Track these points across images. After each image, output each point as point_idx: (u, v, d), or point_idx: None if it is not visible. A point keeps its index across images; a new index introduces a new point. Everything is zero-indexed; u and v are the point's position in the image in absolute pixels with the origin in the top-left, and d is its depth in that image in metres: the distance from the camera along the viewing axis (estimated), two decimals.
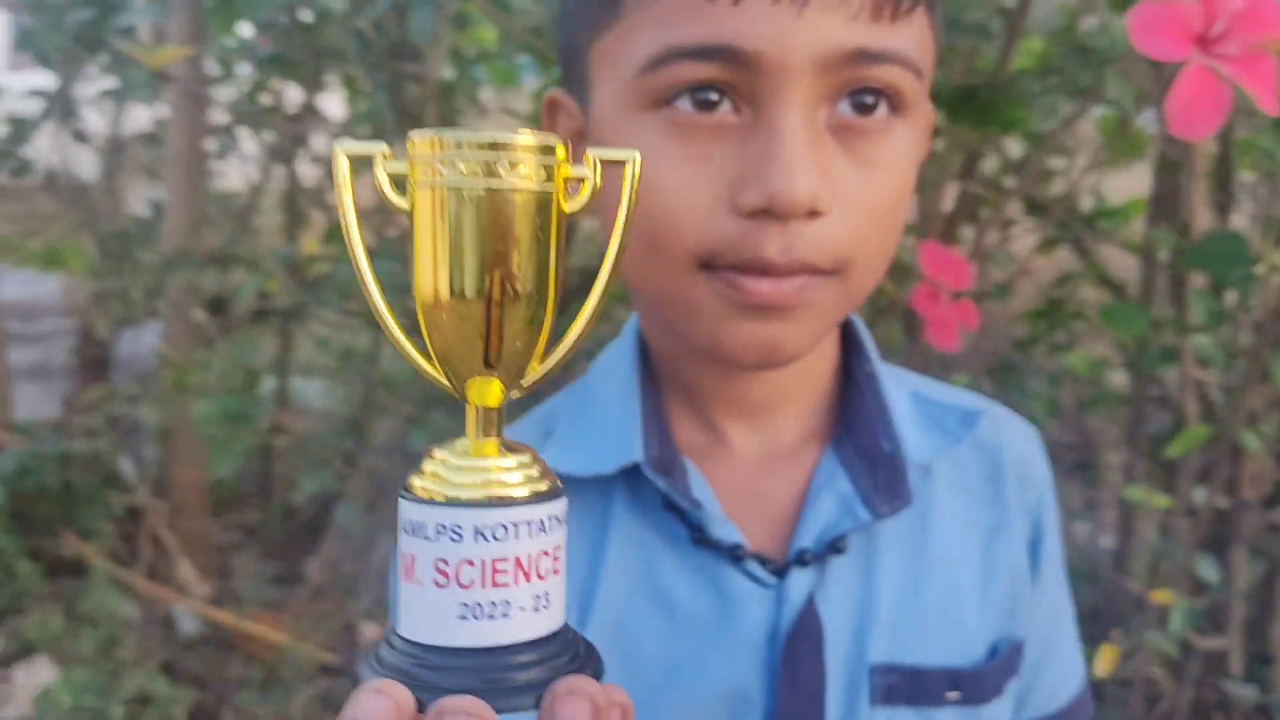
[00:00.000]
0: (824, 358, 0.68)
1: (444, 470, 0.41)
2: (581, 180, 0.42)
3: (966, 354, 1.68)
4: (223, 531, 3.06)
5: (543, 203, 0.40)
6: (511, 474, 0.41)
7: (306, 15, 2.26)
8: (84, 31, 2.27)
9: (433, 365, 0.43)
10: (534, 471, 0.42)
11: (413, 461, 0.43)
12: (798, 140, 0.53)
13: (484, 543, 0.39)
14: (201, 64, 2.37)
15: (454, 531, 0.39)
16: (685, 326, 0.60)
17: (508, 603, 0.39)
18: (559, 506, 0.42)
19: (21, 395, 3.00)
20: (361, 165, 0.43)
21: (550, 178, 0.41)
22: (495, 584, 0.39)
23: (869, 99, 0.56)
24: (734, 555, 0.62)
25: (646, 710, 0.59)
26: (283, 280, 2.68)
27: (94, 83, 3.38)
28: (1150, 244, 1.60)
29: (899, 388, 0.69)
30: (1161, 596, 1.71)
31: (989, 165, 1.93)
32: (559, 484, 0.43)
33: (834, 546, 0.63)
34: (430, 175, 0.40)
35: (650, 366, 0.67)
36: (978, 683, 0.66)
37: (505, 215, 0.40)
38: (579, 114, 0.62)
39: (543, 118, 0.66)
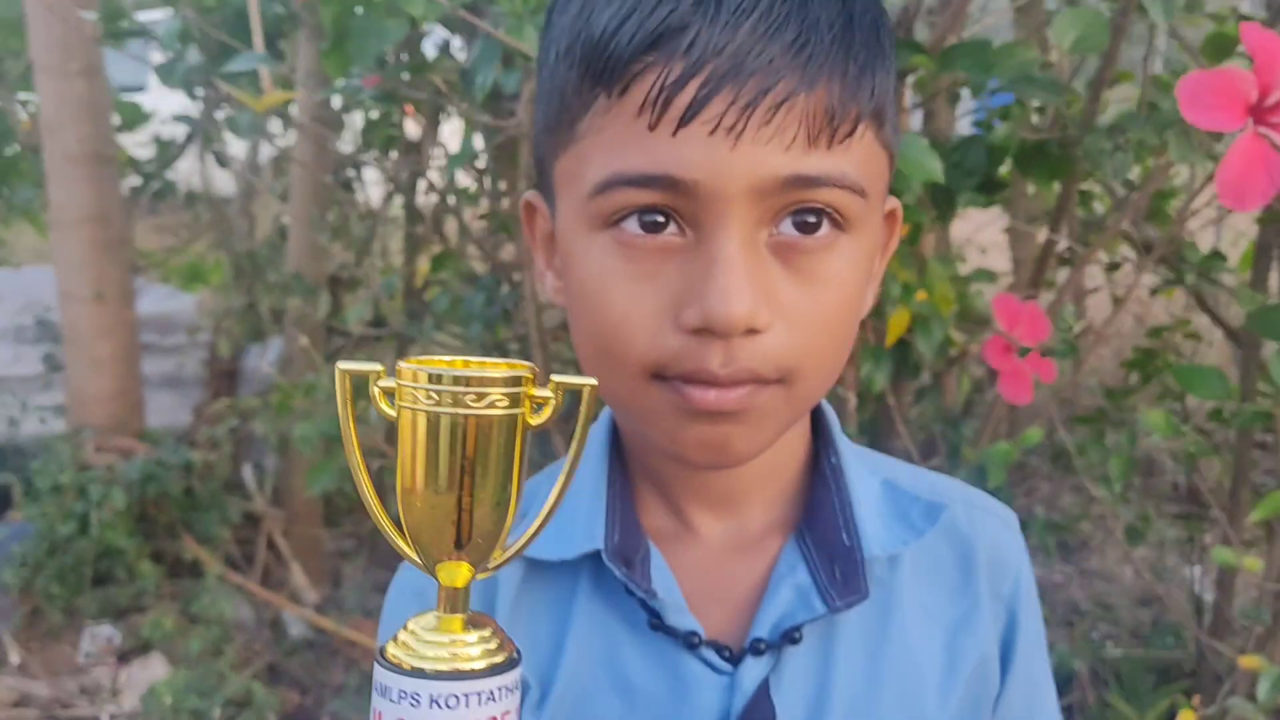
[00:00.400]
0: (791, 450, 0.69)
1: (413, 641, 0.47)
2: (548, 399, 0.47)
3: (1045, 402, 1.66)
4: (335, 540, 3.19)
5: (509, 422, 0.46)
6: (471, 648, 0.46)
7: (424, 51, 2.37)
8: (192, 75, 2.42)
9: (406, 543, 0.49)
10: (493, 645, 0.47)
11: None
12: (735, 264, 0.55)
13: (438, 709, 0.44)
14: (322, 99, 2.50)
15: (413, 698, 0.45)
16: (643, 428, 0.63)
17: None
18: (511, 677, 0.47)
19: (155, 403, 3.19)
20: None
21: (517, 402, 0.46)
22: None
23: (811, 218, 0.57)
24: (689, 643, 0.64)
25: None
26: (397, 304, 2.80)
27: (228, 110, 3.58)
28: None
29: (871, 475, 0.70)
30: (1250, 662, 1.65)
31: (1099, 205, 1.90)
32: (515, 654, 0.48)
33: (789, 636, 0.64)
34: (411, 400, 0.45)
35: (622, 454, 0.70)
36: None
37: (475, 435, 0.45)
38: (550, 219, 0.65)
39: (522, 218, 0.69)
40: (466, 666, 0.46)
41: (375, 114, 3.02)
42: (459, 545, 0.47)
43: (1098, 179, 1.39)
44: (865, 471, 0.70)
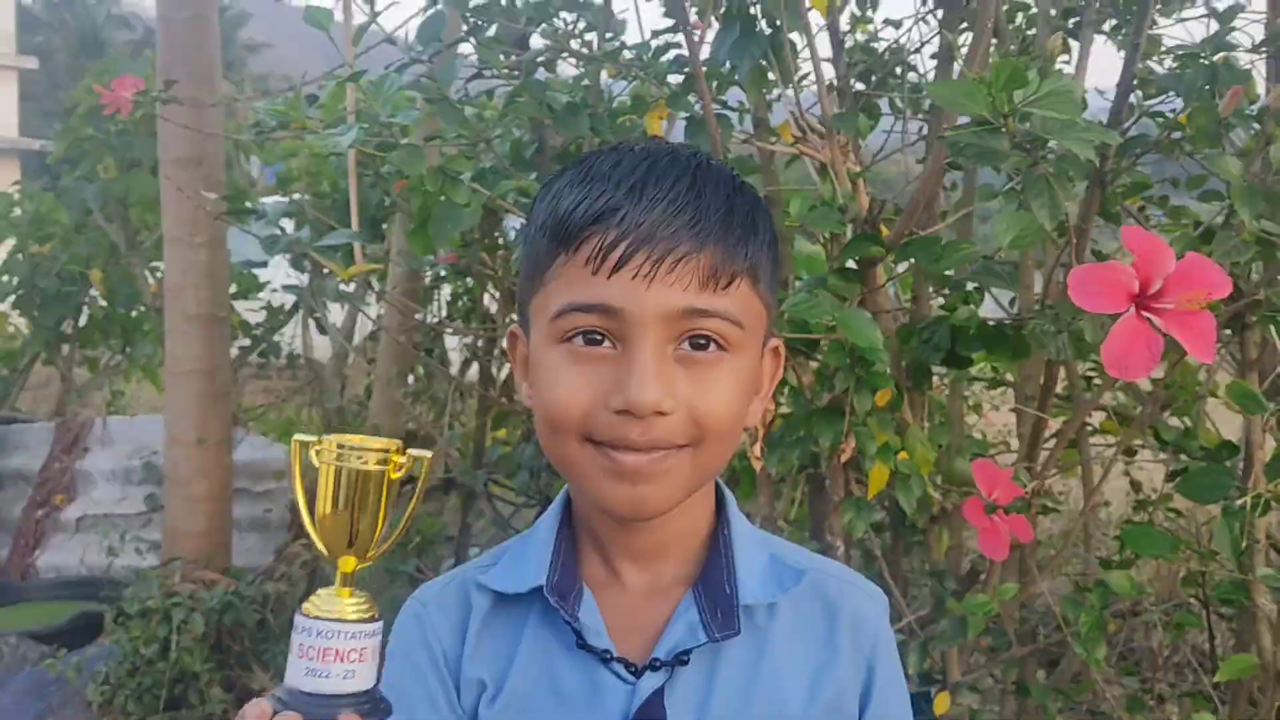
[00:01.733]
0: (696, 523, 0.90)
1: (318, 600, 0.74)
2: (404, 463, 0.75)
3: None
4: None
5: (379, 475, 0.74)
6: (348, 607, 0.73)
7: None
8: (296, 248, 2.78)
9: (320, 544, 0.76)
10: (364, 607, 0.74)
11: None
12: (648, 368, 0.78)
13: (320, 638, 0.71)
14: (409, 271, 2.83)
15: (308, 631, 0.72)
16: (579, 484, 0.85)
17: (328, 671, 0.71)
18: (370, 627, 0.73)
19: (242, 544, 3.46)
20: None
21: (384, 462, 0.74)
22: (323, 660, 0.71)
23: (701, 340, 0.80)
24: (603, 658, 0.84)
25: None
26: (465, 458, 3.05)
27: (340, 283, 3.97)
28: None
29: (762, 548, 0.91)
30: None
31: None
32: (377, 617, 0.74)
33: (679, 658, 0.84)
34: (328, 458, 0.74)
35: (572, 519, 0.91)
36: None
37: (361, 481, 0.74)
38: (526, 344, 0.89)
39: (507, 346, 0.94)
40: (343, 615, 0.73)
41: (458, 288, 3.37)
42: (349, 545, 0.75)
43: (1055, 360, 1.57)
44: (755, 545, 0.91)
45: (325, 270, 3.53)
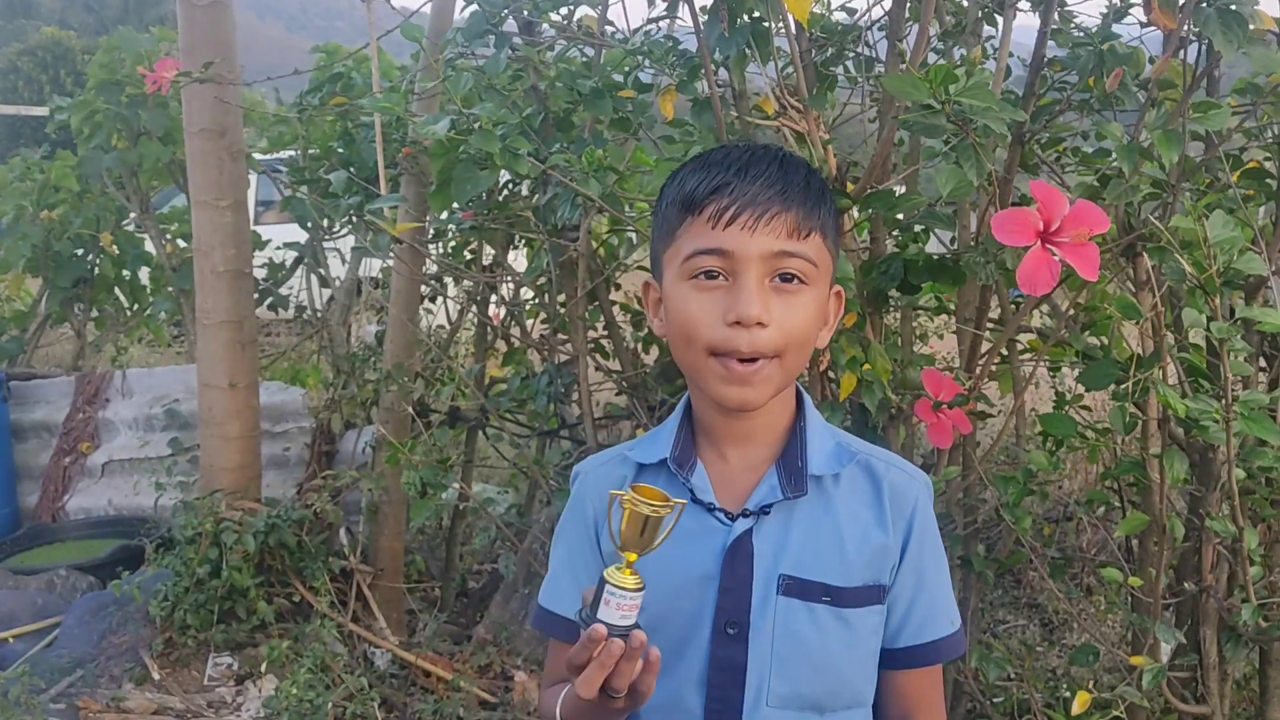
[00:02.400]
0: (781, 416, 1.21)
1: (615, 573, 1.03)
2: (668, 507, 1.04)
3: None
4: (413, 601, 3.74)
5: (659, 518, 1.04)
6: (630, 581, 1.02)
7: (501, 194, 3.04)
8: (349, 210, 3.11)
9: (619, 549, 1.07)
10: (639, 581, 1.03)
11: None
12: (753, 292, 1.08)
13: (623, 595, 1.02)
14: (425, 229, 3.17)
15: (612, 591, 1.02)
16: (702, 385, 1.15)
17: (628, 615, 1.02)
18: (641, 594, 1.02)
19: (264, 480, 3.81)
20: None
21: (659, 509, 1.03)
22: (623, 609, 1.01)
23: (788, 276, 1.11)
24: (708, 507, 1.17)
25: (659, 578, 1.09)
26: (472, 393, 3.41)
27: (336, 240, 4.29)
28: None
29: (830, 437, 1.22)
30: (1138, 661, 2.14)
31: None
32: (642, 584, 1.03)
33: (763, 510, 1.16)
34: (626, 505, 1.04)
35: (691, 414, 1.23)
36: (841, 596, 1.16)
37: (646, 520, 1.04)
38: (659, 289, 1.19)
39: (643, 294, 1.25)
40: (628, 586, 1.02)
41: (453, 242, 3.71)
42: (639, 551, 1.05)
43: (984, 284, 1.97)
44: (825, 433, 1.23)
45: (330, 228, 3.87)
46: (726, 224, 1.10)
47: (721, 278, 1.11)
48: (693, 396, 1.24)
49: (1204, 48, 1.89)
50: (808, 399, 1.26)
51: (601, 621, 1.01)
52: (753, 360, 1.11)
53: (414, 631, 3.57)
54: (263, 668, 3.09)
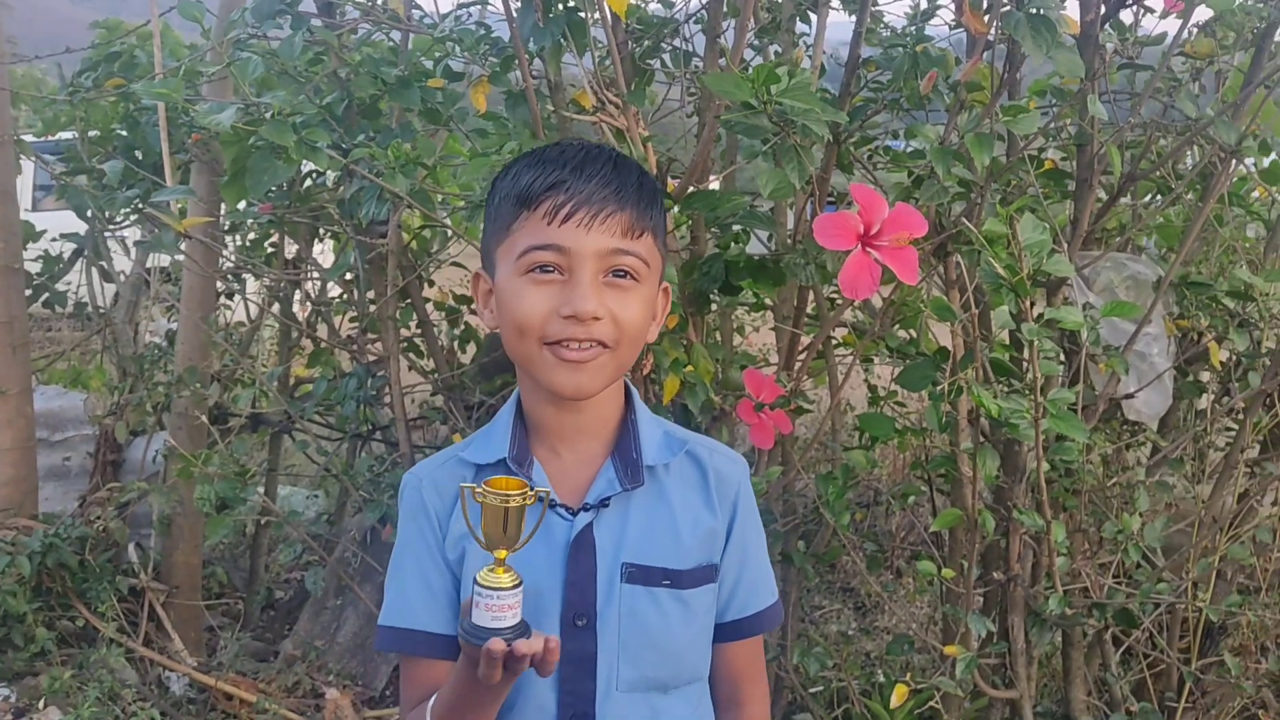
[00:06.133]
0: (612, 409, 1.24)
1: (486, 574, 1.04)
2: (532, 496, 1.07)
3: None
4: (213, 618, 3.51)
5: (520, 508, 1.07)
6: (505, 579, 1.03)
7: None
8: (130, 202, 2.87)
9: (484, 545, 1.09)
10: (515, 578, 1.04)
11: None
12: (588, 288, 1.11)
13: (494, 596, 1.03)
14: (218, 221, 2.96)
15: (483, 593, 1.03)
16: (535, 376, 1.16)
17: (502, 617, 1.02)
18: (519, 591, 1.03)
19: (41, 493, 3.49)
20: None
21: (523, 500, 1.07)
22: (497, 611, 1.02)
23: (621, 273, 1.14)
24: (550, 504, 1.18)
25: None
26: (275, 397, 3.22)
27: (120, 230, 3.98)
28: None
29: (658, 427, 1.26)
30: (951, 650, 2.19)
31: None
32: (520, 581, 1.05)
33: (602, 503, 1.19)
34: (487, 500, 1.06)
35: (523, 411, 1.24)
36: (680, 578, 1.20)
37: (506, 511, 1.07)
38: (489, 282, 1.21)
39: (472, 285, 1.25)
40: (503, 585, 1.03)
41: (253, 235, 3.49)
42: (508, 547, 1.06)
43: (805, 285, 1.96)
44: (653, 425, 1.27)
45: (110, 219, 3.58)
46: (562, 221, 1.12)
47: (556, 273, 1.13)
48: (524, 392, 1.25)
49: (1009, 51, 1.93)
50: (634, 391, 1.29)
51: (483, 627, 1.02)
52: (587, 346, 1.13)
53: (214, 651, 3.34)
54: (41, 702, 2.82)
